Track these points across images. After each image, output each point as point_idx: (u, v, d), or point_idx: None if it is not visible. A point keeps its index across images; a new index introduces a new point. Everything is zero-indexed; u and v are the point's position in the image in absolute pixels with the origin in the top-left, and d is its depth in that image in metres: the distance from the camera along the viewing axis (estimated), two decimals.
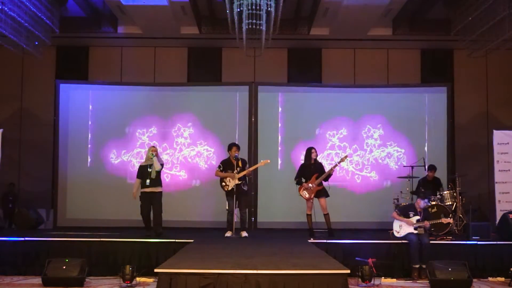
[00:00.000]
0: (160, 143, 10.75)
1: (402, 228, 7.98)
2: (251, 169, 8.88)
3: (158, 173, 8.71)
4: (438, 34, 11.32)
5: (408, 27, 11.28)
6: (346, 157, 9.02)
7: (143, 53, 12.16)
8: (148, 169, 8.66)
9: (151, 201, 8.65)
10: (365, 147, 10.96)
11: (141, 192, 8.68)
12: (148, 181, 8.62)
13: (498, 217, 9.29)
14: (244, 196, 8.85)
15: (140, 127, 11.02)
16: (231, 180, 8.67)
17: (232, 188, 8.64)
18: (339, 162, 8.85)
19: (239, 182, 8.65)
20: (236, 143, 8.98)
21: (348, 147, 10.93)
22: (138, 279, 7.12)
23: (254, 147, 10.82)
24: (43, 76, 12.03)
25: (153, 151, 8.71)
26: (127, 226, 10.25)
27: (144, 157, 9.43)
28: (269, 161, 9.08)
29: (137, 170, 9.01)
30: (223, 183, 8.74)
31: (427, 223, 7.87)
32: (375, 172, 10.93)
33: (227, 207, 8.77)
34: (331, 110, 11.07)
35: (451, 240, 8.26)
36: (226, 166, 8.80)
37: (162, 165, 8.82)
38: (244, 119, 10.91)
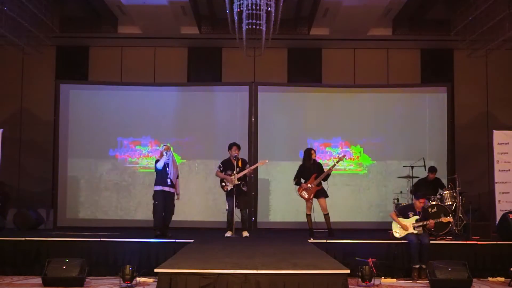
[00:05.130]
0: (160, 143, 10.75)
1: (402, 229, 7.97)
2: (249, 169, 8.88)
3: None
4: (438, 34, 11.31)
5: (408, 27, 11.28)
6: (344, 156, 9.03)
7: (143, 53, 12.15)
8: (167, 169, 8.59)
9: (167, 201, 8.56)
10: (365, 147, 10.96)
11: (160, 191, 8.51)
12: (168, 180, 8.54)
13: (498, 217, 9.29)
14: (244, 196, 8.84)
15: (140, 127, 11.02)
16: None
17: (232, 188, 8.65)
18: (337, 162, 8.84)
19: (239, 183, 8.66)
20: (236, 142, 8.97)
21: (348, 147, 10.93)
22: (138, 279, 7.11)
23: (254, 147, 10.82)
24: (43, 76, 12.01)
25: (166, 149, 8.66)
26: (127, 226, 10.28)
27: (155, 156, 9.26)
28: (267, 161, 9.12)
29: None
30: (223, 183, 8.76)
31: (432, 222, 7.84)
32: (375, 172, 10.93)
33: (226, 207, 8.78)
34: (331, 110, 11.08)
35: (451, 240, 8.25)
36: (226, 166, 8.81)
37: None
38: (244, 119, 10.91)
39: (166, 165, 8.57)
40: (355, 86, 11.72)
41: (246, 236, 8.64)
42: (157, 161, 8.66)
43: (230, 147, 8.86)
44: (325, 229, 8.80)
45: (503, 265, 7.77)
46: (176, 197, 8.71)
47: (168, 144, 8.96)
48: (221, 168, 8.84)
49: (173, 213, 8.66)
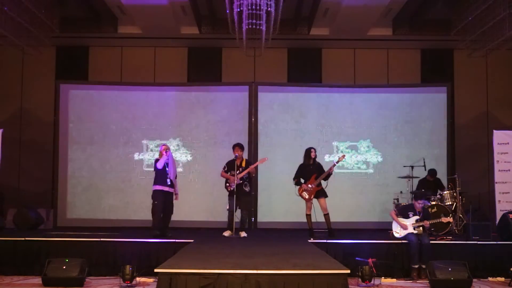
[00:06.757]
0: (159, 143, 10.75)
1: (402, 229, 7.97)
2: (249, 168, 8.88)
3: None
4: (438, 34, 11.32)
5: (408, 27, 11.29)
6: (343, 156, 9.04)
7: (143, 53, 12.15)
8: (166, 168, 8.56)
9: (167, 200, 8.55)
10: (365, 147, 10.96)
11: (159, 191, 8.48)
12: (168, 180, 8.51)
13: (498, 217, 9.29)
14: (245, 197, 8.86)
15: (140, 127, 11.02)
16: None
17: (234, 188, 8.67)
18: (337, 162, 8.84)
19: (240, 182, 8.68)
20: (239, 143, 9.00)
21: (348, 147, 10.93)
22: (138, 279, 7.11)
23: (254, 147, 10.82)
24: (43, 76, 12.02)
25: (165, 149, 8.62)
26: (127, 226, 10.28)
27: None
28: (267, 158, 9.17)
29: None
30: (227, 184, 8.84)
31: (427, 223, 7.86)
32: (375, 172, 10.93)
33: (227, 207, 8.79)
34: (331, 110, 11.08)
35: (451, 240, 8.25)
36: (230, 166, 8.87)
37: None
38: (244, 119, 10.91)
39: (165, 164, 8.56)
40: (355, 86, 11.72)
41: (244, 236, 8.65)
42: (156, 160, 8.66)
43: (233, 147, 8.93)
44: (325, 229, 8.79)
45: (503, 265, 7.76)
46: (174, 197, 8.71)
47: (168, 144, 8.95)
48: (226, 169, 8.89)
49: (172, 213, 8.65)
